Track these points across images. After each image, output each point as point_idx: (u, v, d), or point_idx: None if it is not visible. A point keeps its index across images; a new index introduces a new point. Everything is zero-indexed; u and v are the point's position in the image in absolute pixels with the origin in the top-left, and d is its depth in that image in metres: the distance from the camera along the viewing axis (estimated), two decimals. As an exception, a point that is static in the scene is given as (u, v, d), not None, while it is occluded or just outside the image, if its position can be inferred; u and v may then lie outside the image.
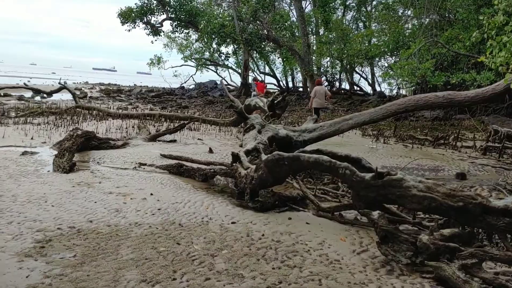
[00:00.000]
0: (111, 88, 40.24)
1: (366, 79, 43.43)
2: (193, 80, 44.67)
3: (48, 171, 6.72)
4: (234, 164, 6.29)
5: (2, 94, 21.02)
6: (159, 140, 10.64)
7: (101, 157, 8.07)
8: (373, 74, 41.99)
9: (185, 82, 44.89)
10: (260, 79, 19.00)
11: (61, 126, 11.88)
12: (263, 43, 25.19)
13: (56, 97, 22.62)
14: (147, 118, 14.89)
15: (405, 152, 11.06)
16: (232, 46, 33.11)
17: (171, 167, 7.11)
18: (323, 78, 31.47)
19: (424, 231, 4.45)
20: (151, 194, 5.66)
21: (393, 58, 23.72)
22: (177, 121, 14.75)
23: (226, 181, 6.70)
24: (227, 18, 25.11)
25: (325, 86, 32.89)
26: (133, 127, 12.48)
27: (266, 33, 24.07)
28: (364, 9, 39.74)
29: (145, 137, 10.59)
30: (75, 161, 7.46)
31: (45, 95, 21.52)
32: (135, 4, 26.78)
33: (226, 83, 46.83)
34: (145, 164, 7.57)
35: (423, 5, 19.77)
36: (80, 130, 8.24)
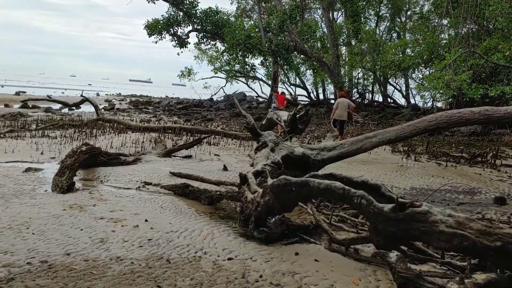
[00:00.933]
0: (141, 99, 40.56)
1: (400, 91, 42.22)
2: (224, 92, 44.57)
3: (46, 190, 6.30)
4: (241, 186, 5.69)
5: (30, 106, 21.22)
6: (174, 156, 10.17)
7: (106, 174, 7.63)
8: (407, 86, 40.73)
9: (215, 94, 44.82)
10: (280, 91, 18.24)
11: (77, 139, 11.60)
12: (291, 54, 24.58)
13: (85, 108, 22.76)
14: (168, 131, 14.52)
15: (438, 171, 10.17)
16: (259, 58, 32.68)
17: (176, 188, 6.57)
18: (354, 90, 30.55)
19: (454, 275, 3.71)
20: (146, 221, 5.11)
21: (428, 69, 22.62)
22: (198, 135, 14.34)
23: (234, 205, 6.09)
24: (255, 30, 24.65)
25: (356, 99, 32.02)
26: (150, 141, 12.09)
27: (294, 44, 23.48)
28: (398, 19, 38.73)
29: (159, 152, 10.14)
30: (78, 179, 7.05)
31: (73, 107, 21.60)
32: (162, 15, 26.88)
33: (257, 95, 46.54)
34: (150, 184, 7.06)
35: (459, 14, 18.75)
36: (85, 146, 7.83)
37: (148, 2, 26.45)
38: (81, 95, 16.33)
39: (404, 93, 41.23)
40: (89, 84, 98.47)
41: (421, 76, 31.31)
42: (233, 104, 34.20)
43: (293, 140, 11.33)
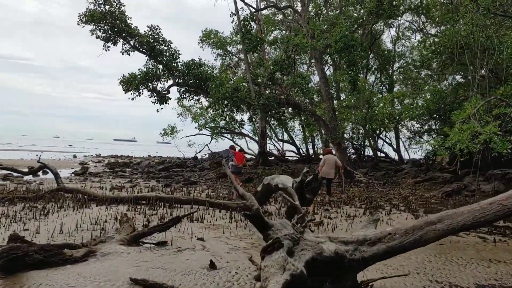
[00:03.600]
0: (120, 161, 37.94)
1: (390, 144, 40.54)
2: (209, 149, 42.33)
3: None
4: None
5: (-12, 173, 18.47)
6: (143, 243, 7.56)
7: (30, 286, 5.00)
8: (397, 139, 39.11)
9: (199, 151, 42.54)
10: (238, 148, 16.27)
11: (20, 220, 8.93)
12: (282, 108, 22.62)
13: (50, 174, 20.06)
14: (141, 201, 11.93)
15: (488, 251, 7.73)
16: (247, 113, 30.69)
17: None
18: (348, 145, 28.51)
19: None
20: None
21: (433, 121, 20.79)
22: (178, 206, 11.79)
23: None
24: (242, 82, 22.71)
25: (352, 155, 29.94)
26: (116, 218, 9.47)
27: (285, 97, 21.57)
28: (386, 71, 37.64)
29: (124, 238, 7.52)
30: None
31: (33, 174, 18.86)
32: (139, 69, 24.73)
33: (243, 151, 44.30)
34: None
35: (464, 61, 17.13)
36: (6, 245, 5.24)
37: (122, 54, 24.50)
38: (38, 161, 13.72)
39: (395, 146, 39.57)
40: (70, 145, 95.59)
41: (422, 129, 29.65)
42: (219, 162, 31.78)
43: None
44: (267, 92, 21.54)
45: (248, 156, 41.16)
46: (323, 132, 34.49)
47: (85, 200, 11.93)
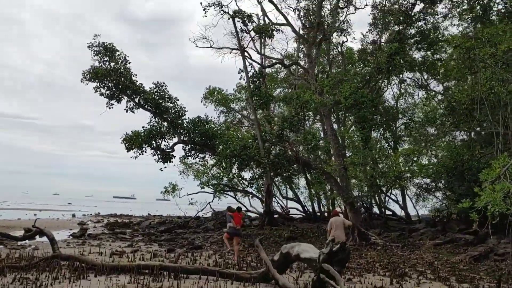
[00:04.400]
0: (120, 220, 36.70)
1: (397, 201, 39.42)
2: (211, 208, 41.06)
3: None
4: None
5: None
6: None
7: None
8: (404, 196, 38.04)
9: (201, 210, 41.18)
10: (235, 208, 15.72)
11: (7, 297, 7.86)
12: (293, 166, 21.79)
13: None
14: (144, 271, 10.83)
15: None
16: (254, 171, 29.80)
17: None
18: (359, 203, 27.45)
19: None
20: None
21: (451, 178, 19.90)
22: (185, 276, 10.68)
23: None
24: (249, 140, 21.99)
25: (362, 213, 28.78)
26: (116, 294, 8.39)
27: (295, 155, 20.84)
28: (390, 128, 37.21)
29: (125, 322, 6.47)
30: None
31: (26, 240, 17.72)
32: (143, 127, 24.13)
33: (246, 209, 43.08)
34: None
35: (491, 116, 16.60)
36: None
37: (126, 111, 24.03)
38: (33, 226, 12.73)
39: (401, 203, 38.41)
40: (69, 203, 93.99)
41: (426, 186, 28.72)
42: (223, 222, 30.56)
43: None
44: (276, 149, 20.84)
45: (252, 215, 39.96)
46: (333, 190, 33.55)
47: (83, 268, 10.83)
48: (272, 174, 23.89)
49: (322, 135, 27.13)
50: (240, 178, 24.01)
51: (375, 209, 38.93)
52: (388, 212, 38.95)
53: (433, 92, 34.03)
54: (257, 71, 22.85)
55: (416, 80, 35.64)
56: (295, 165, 21.50)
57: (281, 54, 33.81)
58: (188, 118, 24.16)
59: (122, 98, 24.01)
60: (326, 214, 41.25)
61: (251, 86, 22.05)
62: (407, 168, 23.74)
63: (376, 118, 24.06)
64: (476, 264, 14.16)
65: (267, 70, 33.50)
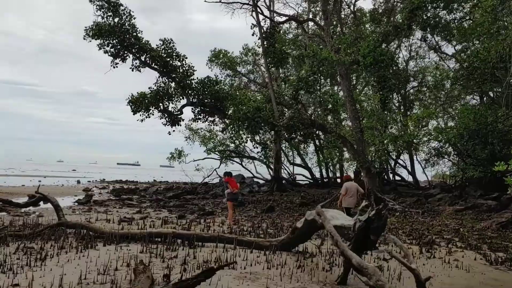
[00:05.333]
0: (126, 187, 36.16)
1: (405, 167, 38.75)
2: (217, 174, 40.53)
3: None
4: None
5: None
6: (167, 303, 5.76)
7: None
8: (413, 161, 37.34)
9: (208, 176, 40.72)
10: (228, 175, 15.31)
11: (10, 270, 7.12)
12: (309, 130, 20.81)
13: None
14: (156, 239, 10.12)
15: None
16: (261, 136, 28.90)
17: None
18: (377, 169, 26.65)
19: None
20: None
21: (474, 141, 18.99)
22: (201, 244, 9.99)
23: None
24: (262, 103, 20.81)
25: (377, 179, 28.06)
26: (128, 265, 7.67)
27: (310, 117, 19.86)
28: (399, 91, 36.10)
29: (141, 298, 5.74)
30: None
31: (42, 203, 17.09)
32: (149, 88, 22.92)
33: (252, 176, 42.57)
34: None
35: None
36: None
37: (132, 70, 22.85)
38: (37, 192, 11.99)
39: (409, 169, 37.74)
40: (73, 170, 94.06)
41: (436, 152, 27.85)
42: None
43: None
44: (289, 112, 19.85)
45: (260, 182, 39.42)
46: (343, 156, 32.73)
47: (91, 237, 10.13)
48: (286, 137, 22.96)
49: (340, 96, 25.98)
50: (254, 142, 23.02)
51: (385, 176, 38.37)
52: (396, 178, 38.44)
53: (445, 55, 32.74)
54: (271, 27, 21.47)
55: (428, 42, 34.27)
56: (310, 129, 20.57)
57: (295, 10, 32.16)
58: (197, 78, 22.94)
59: (128, 57, 22.70)
60: (334, 180, 40.81)
61: (265, 43, 20.80)
62: (423, 132, 22.81)
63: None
64: (504, 231, 13.45)
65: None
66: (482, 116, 18.27)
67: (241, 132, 20.11)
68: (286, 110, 20.83)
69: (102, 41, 21.59)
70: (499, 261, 9.21)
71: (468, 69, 18.86)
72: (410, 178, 38.40)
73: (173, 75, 22.45)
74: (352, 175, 31.90)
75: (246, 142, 23.65)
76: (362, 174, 20.51)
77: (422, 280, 4.09)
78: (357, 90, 33.78)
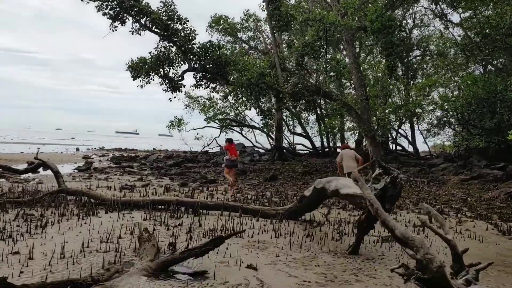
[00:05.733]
0: (126, 154, 35.90)
1: (406, 137, 38.47)
2: (217, 143, 40.27)
3: None
4: None
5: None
6: (174, 272, 5.52)
7: None
8: (413, 131, 37.04)
9: (208, 145, 40.50)
10: (229, 141, 15.28)
11: (10, 237, 6.86)
12: (314, 97, 20.29)
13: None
14: (159, 207, 9.88)
15: None
16: (261, 105, 28.38)
17: None
18: (382, 137, 26.26)
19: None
20: None
21: (482, 110, 18.60)
22: (205, 212, 9.75)
23: None
24: (267, 68, 20.16)
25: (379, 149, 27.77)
26: (132, 233, 7.42)
27: (315, 84, 19.33)
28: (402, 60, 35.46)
29: (147, 267, 5.47)
30: None
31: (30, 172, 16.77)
32: (149, 53, 22.21)
33: (252, 145, 42.36)
34: None
35: None
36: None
37: (132, 34, 22.09)
38: (36, 158, 11.65)
39: (410, 139, 37.43)
40: (72, 138, 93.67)
41: (437, 121, 27.46)
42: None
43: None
44: (294, 79, 19.28)
45: (261, 151, 39.20)
46: (343, 127, 32.36)
47: (92, 204, 9.87)
48: (291, 104, 22.51)
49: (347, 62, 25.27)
50: (257, 109, 22.52)
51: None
52: (399, 148, 38.21)
53: (451, 23, 31.93)
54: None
55: (432, 10, 33.38)
56: (314, 96, 20.04)
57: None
58: (199, 43, 22.22)
59: (127, 19, 21.83)
60: (334, 149, 40.52)
61: (270, 5, 20.03)
62: (428, 100, 22.36)
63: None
64: (512, 201, 13.27)
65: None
66: (491, 85, 17.84)
67: (244, 98, 19.58)
68: (289, 78, 20.20)
69: (100, 2, 20.77)
70: (511, 231, 9.00)
71: (478, 36, 18.29)
72: (410, 148, 38.20)
73: (174, 39, 21.62)
74: (354, 145, 31.67)
75: (250, 109, 23.18)
76: (366, 143, 20.19)
77: (459, 252, 3.82)
78: (361, 58, 33.12)
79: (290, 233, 7.95)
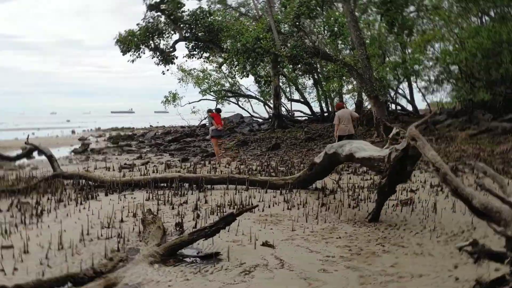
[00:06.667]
0: (123, 133, 35.23)
1: (404, 96, 37.82)
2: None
3: None
4: None
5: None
6: (183, 256, 5.05)
7: None
8: (411, 89, 36.34)
9: (205, 118, 39.75)
10: (214, 109, 15.03)
11: (3, 228, 6.36)
12: (314, 59, 19.51)
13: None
14: (161, 185, 9.38)
15: None
16: (263, 71, 27.46)
17: None
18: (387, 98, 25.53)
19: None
20: None
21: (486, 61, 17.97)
22: (210, 187, 9.26)
23: None
24: (262, 32, 19.29)
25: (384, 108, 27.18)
26: (134, 215, 6.93)
27: (313, 45, 18.52)
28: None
29: (154, 253, 4.98)
30: None
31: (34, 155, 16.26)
32: (137, 25, 21.24)
33: (250, 115, 41.64)
34: None
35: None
36: None
37: None
38: (26, 142, 11.07)
39: (409, 97, 36.75)
40: (67, 121, 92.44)
41: (436, 77, 26.72)
42: (231, 128, 29.19)
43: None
44: (291, 41, 18.48)
45: (260, 120, 38.54)
46: (342, 90, 31.60)
47: (90, 187, 9.36)
48: (289, 68, 21.70)
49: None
50: (256, 76, 21.75)
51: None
52: (398, 107, 37.61)
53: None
54: None
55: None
56: (314, 58, 19.27)
57: None
58: (188, 10, 21.18)
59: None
60: (333, 113, 39.86)
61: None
62: (427, 56, 21.65)
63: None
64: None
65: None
66: (496, 33, 17.14)
67: (240, 65, 18.80)
68: (286, 40, 19.37)
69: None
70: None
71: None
72: (409, 107, 37.60)
73: (162, 7, 20.63)
74: (353, 108, 30.98)
75: (248, 76, 22.40)
76: (367, 104, 19.55)
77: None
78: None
79: (303, 204, 7.48)
